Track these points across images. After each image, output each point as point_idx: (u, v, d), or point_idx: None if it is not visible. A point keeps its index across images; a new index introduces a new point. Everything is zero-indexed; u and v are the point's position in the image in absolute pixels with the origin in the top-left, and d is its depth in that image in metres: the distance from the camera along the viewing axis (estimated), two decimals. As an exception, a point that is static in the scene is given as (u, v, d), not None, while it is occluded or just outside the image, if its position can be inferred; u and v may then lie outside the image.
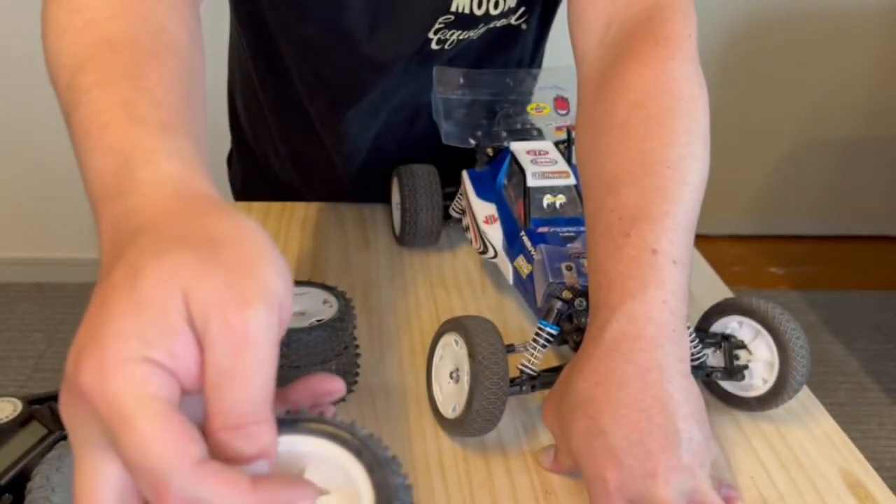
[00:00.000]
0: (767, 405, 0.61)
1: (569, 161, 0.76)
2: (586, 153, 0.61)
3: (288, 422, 0.32)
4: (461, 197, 0.80)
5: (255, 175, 1.00)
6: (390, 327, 0.71)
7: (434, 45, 0.78)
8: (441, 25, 0.76)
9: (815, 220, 2.50)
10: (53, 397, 0.56)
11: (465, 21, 0.76)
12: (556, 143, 0.78)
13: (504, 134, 0.80)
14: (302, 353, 0.57)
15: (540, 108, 0.83)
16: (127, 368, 0.29)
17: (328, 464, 0.32)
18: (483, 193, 0.76)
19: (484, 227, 0.74)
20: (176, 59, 0.44)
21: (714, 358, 0.63)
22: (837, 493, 0.56)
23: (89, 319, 0.31)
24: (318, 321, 0.59)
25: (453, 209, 0.83)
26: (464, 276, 0.79)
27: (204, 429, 0.30)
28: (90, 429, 0.30)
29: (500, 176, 0.76)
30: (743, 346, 0.61)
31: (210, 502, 0.28)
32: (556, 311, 0.60)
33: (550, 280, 0.63)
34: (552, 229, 0.69)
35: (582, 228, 0.69)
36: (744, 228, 2.49)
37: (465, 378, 0.55)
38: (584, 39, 0.65)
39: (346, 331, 0.60)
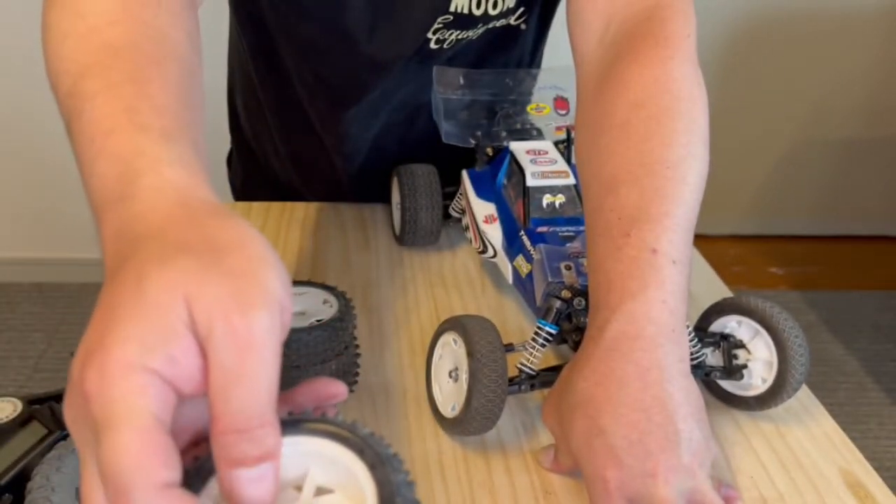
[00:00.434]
0: (766, 405, 0.61)
1: (568, 161, 0.77)
2: (586, 153, 0.61)
3: (291, 423, 0.32)
4: (461, 196, 0.80)
5: (255, 175, 1.00)
6: (390, 327, 0.71)
7: (433, 45, 0.78)
8: (440, 25, 0.76)
9: (815, 220, 2.50)
10: (53, 397, 0.56)
11: (464, 21, 0.76)
12: (556, 143, 0.78)
13: (504, 134, 0.80)
14: (302, 353, 0.57)
15: (540, 108, 0.83)
16: (126, 377, 0.29)
17: (331, 463, 0.32)
18: (483, 193, 0.76)
19: (483, 226, 0.74)
20: (177, 64, 0.44)
21: (713, 357, 0.63)
22: (837, 493, 0.57)
23: (96, 324, 0.31)
24: (318, 321, 0.59)
25: (453, 209, 0.83)
26: (463, 276, 0.79)
27: (209, 432, 0.30)
28: (89, 432, 0.30)
29: (499, 176, 0.76)
30: (742, 345, 0.62)
31: None
32: (555, 310, 0.60)
33: (550, 279, 0.63)
34: (551, 229, 0.69)
35: (581, 228, 0.69)
36: (744, 228, 2.49)
37: (465, 377, 0.56)
38: (584, 39, 0.65)
39: (346, 331, 0.60)
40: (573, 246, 0.67)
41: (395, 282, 0.78)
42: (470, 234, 0.77)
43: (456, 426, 0.57)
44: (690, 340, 0.60)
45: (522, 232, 0.70)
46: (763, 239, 2.50)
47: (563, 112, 0.83)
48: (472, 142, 0.80)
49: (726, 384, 0.63)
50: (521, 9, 0.78)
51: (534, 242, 0.68)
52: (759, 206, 2.48)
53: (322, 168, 0.90)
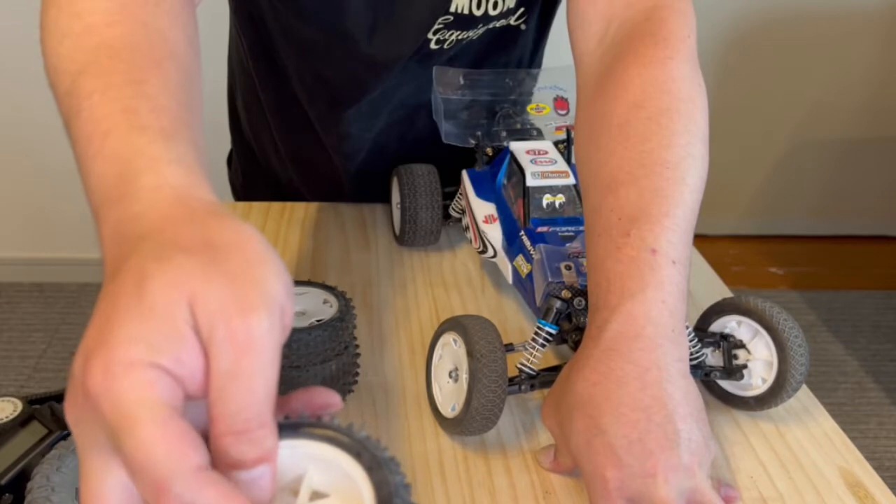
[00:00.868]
0: (766, 404, 0.61)
1: (568, 161, 0.77)
2: (585, 153, 0.61)
3: (288, 426, 0.32)
4: (461, 197, 0.80)
5: (255, 175, 1.00)
6: (390, 327, 0.71)
7: (433, 46, 0.78)
8: (440, 26, 0.76)
9: (815, 220, 2.50)
10: (53, 397, 0.56)
11: (464, 21, 0.76)
12: (556, 143, 0.78)
13: (504, 134, 0.80)
14: (302, 352, 0.57)
15: (540, 108, 0.83)
16: (134, 372, 0.29)
17: (328, 466, 0.32)
18: (483, 193, 0.76)
19: (483, 226, 0.74)
20: (176, 65, 0.44)
21: (713, 357, 0.63)
22: (837, 493, 0.57)
23: (96, 323, 0.31)
24: (318, 321, 0.59)
25: (453, 209, 0.83)
26: (463, 276, 0.79)
27: (207, 433, 0.30)
28: (96, 432, 0.30)
29: (499, 176, 0.76)
30: (742, 345, 0.62)
31: None
32: (555, 310, 0.60)
33: (549, 279, 0.63)
34: (551, 229, 0.69)
35: (581, 228, 0.69)
36: (743, 228, 2.49)
37: (465, 377, 0.56)
38: (584, 40, 0.65)
39: (346, 330, 0.60)
40: (573, 246, 0.67)
41: (395, 282, 0.78)
42: (470, 234, 0.77)
43: (456, 426, 0.57)
44: (690, 340, 0.60)
45: (522, 232, 0.70)
46: (763, 239, 2.50)
47: (563, 112, 0.83)
48: (472, 142, 0.80)
49: (726, 384, 0.63)
50: (522, 9, 0.78)
51: (534, 242, 0.68)
52: (759, 206, 2.48)
53: (322, 168, 0.90)
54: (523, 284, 0.69)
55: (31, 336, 2.02)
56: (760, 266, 2.42)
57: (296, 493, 0.32)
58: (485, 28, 0.78)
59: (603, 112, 0.59)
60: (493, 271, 0.78)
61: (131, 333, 0.30)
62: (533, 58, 0.89)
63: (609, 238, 0.54)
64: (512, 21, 0.79)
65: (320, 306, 0.62)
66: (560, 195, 0.71)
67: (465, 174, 0.79)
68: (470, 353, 0.55)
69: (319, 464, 0.32)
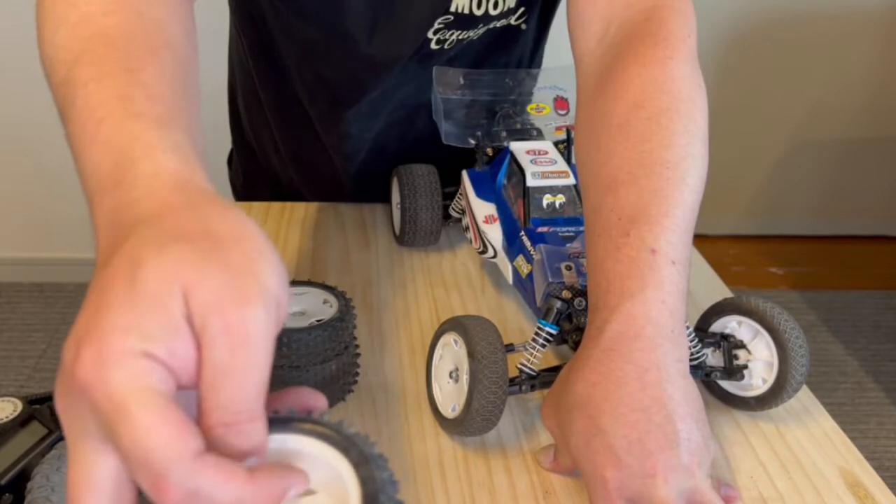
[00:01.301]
0: (767, 405, 0.61)
1: (568, 161, 0.77)
2: (585, 153, 0.61)
3: (277, 421, 0.32)
4: (461, 197, 0.80)
5: (255, 175, 1.00)
6: (390, 327, 0.71)
7: (433, 46, 0.78)
8: (440, 26, 0.76)
9: (815, 220, 2.50)
10: (53, 397, 0.56)
11: (464, 21, 0.76)
12: (556, 143, 0.78)
13: (504, 134, 0.80)
14: (302, 352, 0.57)
15: (540, 109, 0.83)
16: (127, 362, 0.29)
17: (316, 461, 0.32)
18: (483, 193, 0.76)
19: (483, 226, 0.74)
20: (172, 55, 0.44)
21: (713, 357, 0.63)
22: (837, 493, 0.57)
23: (88, 310, 0.31)
24: (318, 321, 0.59)
25: (453, 209, 0.83)
26: (463, 276, 0.79)
27: (199, 425, 0.30)
28: (86, 421, 0.30)
29: (499, 176, 0.76)
30: (742, 345, 0.62)
31: (209, 494, 0.28)
32: (555, 310, 0.60)
33: (550, 280, 0.63)
34: (552, 229, 0.69)
35: (581, 228, 0.69)
36: (743, 228, 2.49)
37: (465, 377, 0.56)
38: (584, 40, 0.65)
39: (346, 330, 0.60)
40: (573, 246, 0.67)
41: (395, 282, 0.78)
42: (470, 234, 0.77)
43: (456, 426, 0.57)
44: (691, 341, 0.60)
45: (522, 232, 0.70)
46: (763, 239, 2.50)
47: (563, 112, 0.83)
48: (472, 142, 0.80)
49: (726, 384, 0.63)
50: (522, 9, 0.78)
51: (534, 242, 0.68)
52: (759, 206, 2.48)
53: (322, 168, 0.90)
54: (523, 285, 0.69)
55: (31, 336, 2.02)
56: (760, 266, 2.42)
57: None
58: (485, 28, 0.78)
59: (603, 112, 0.59)
60: (493, 271, 0.78)
61: (124, 322, 0.29)
62: (533, 58, 0.89)
63: (609, 238, 0.54)
64: (512, 21, 0.79)
65: (320, 306, 0.62)
66: (560, 195, 0.71)
67: (465, 174, 0.79)
68: (470, 354, 0.55)
69: (307, 459, 0.32)
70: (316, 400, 0.35)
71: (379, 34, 0.76)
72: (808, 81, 2.29)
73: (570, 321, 0.61)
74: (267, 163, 0.96)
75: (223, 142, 1.06)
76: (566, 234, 0.69)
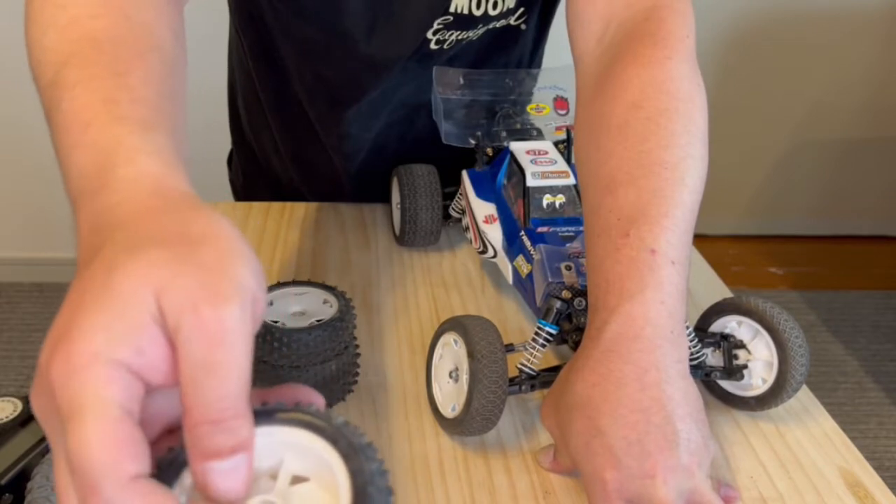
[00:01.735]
0: (767, 405, 0.61)
1: (568, 161, 0.77)
2: (584, 153, 0.61)
3: (264, 413, 0.32)
4: (461, 197, 0.80)
5: (255, 175, 1.00)
6: (390, 327, 0.71)
7: (433, 46, 0.78)
8: (440, 26, 0.76)
9: (815, 220, 2.50)
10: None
11: (463, 21, 0.76)
12: (556, 143, 0.78)
13: (504, 134, 0.80)
14: (302, 352, 0.57)
15: (539, 108, 0.83)
16: (93, 367, 0.29)
17: (305, 452, 0.32)
18: (483, 193, 0.76)
19: (483, 226, 0.74)
20: (159, 58, 0.44)
21: (713, 357, 0.63)
22: (837, 493, 0.57)
23: (64, 313, 0.31)
24: (318, 321, 0.59)
25: (453, 209, 0.83)
26: (463, 276, 0.79)
27: (182, 424, 0.30)
28: (57, 422, 0.30)
29: (499, 176, 0.76)
30: (742, 345, 0.62)
31: None
32: (555, 310, 0.60)
33: (550, 280, 0.63)
34: (551, 229, 0.69)
35: (581, 228, 0.69)
36: (743, 228, 2.49)
37: (465, 377, 0.56)
38: (583, 40, 0.65)
39: (346, 330, 0.60)
40: (573, 246, 0.67)
41: (395, 282, 0.78)
42: (470, 234, 0.77)
43: (456, 426, 0.57)
44: (690, 341, 0.60)
45: (522, 232, 0.70)
46: (763, 239, 2.50)
47: (563, 112, 0.83)
48: (472, 142, 0.80)
49: (726, 384, 0.63)
50: (521, 9, 0.78)
51: (534, 242, 0.68)
52: (759, 206, 2.48)
53: (322, 168, 0.90)
54: (523, 284, 0.69)
55: (31, 336, 2.02)
56: (760, 266, 2.42)
57: (275, 478, 0.32)
58: (484, 28, 0.78)
59: (602, 112, 0.59)
60: (493, 271, 0.78)
61: (93, 324, 0.30)
62: (533, 58, 0.89)
63: (608, 239, 0.54)
64: (512, 21, 0.79)
65: (320, 306, 0.62)
66: (560, 195, 0.71)
67: (465, 174, 0.79)
68: (470, 354, 0.55)
69: (296, 450, 0.32)
70: (313, 398, 0.35)
71: (378, 34, 0.76)
72: (808, 81, 2.29)
73: (569, 321, 0.61)
74: (267, 163, 0.96)
75: (223, 142, 1.06)
76: (566, 234, 0.69)
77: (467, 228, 0.78)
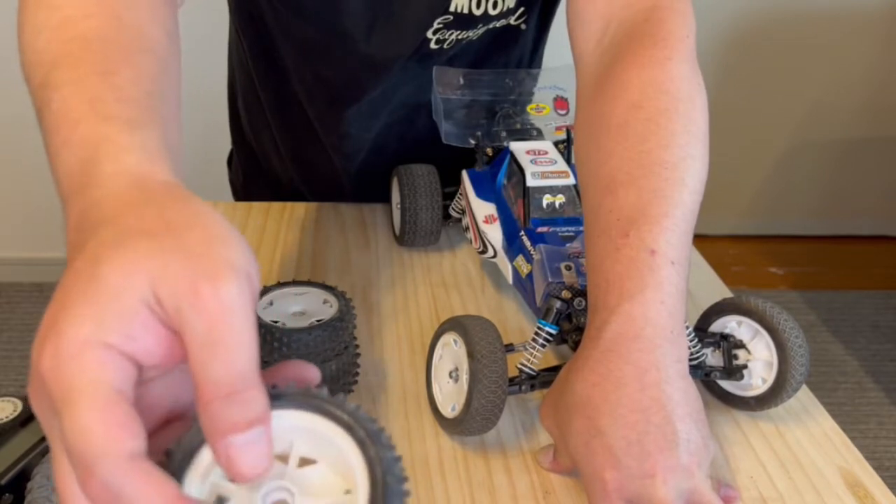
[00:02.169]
0: (766, 405, 0.61)
1: (568, 161, 0.77)
2: (584, 153, 0.61)
3: (275, 396, 0.32)
4: (461, 197, 0.80)
5: (255, 175, 1.00)
6: (390, 327, 0.71)
7: (433, 45, 0.78)
8: (440, 26, 0.76)
9: (815, 220, 2.50)
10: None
11: (463, 21, 0.76)
12: (556, 143, 0.78)
13: (504, 134, 0.80)
14: (302, 352, 0.57)
15: (539, 108, 0.83)
16: (82, 353, 0.29)
17: (316, 437, 0.32)
18: (483, 193, 0.76)
19: (483, 226, 0.74)
20: (151, 58, 0.44)
21: (713, 357, 0.63)
22: (837, 493, 0.57)
23: (51, 309, 0.31)
24: (318, 321, 0.59)
25: (453, 209, 0.83)
26: (463, 276, 0.79)
27: (196, 407, 0.30)
28: (53, 415, 0.30)
29: (499, 176, 0.76)
30: (742, 345, 0.62)
31: (129, 498, 0.28)
32: (555, 310, 0.60)
33: (549, 280, 0.63)
34: (551, 229, 0.69)
35: (581, 228, 0.69)
36: (743, 228, 2.49)
37: (465, 377, 0.56)
38: (583, 40, 0.65)
39: (346, 330, 0.60)
40: (573, 246, 0.67)
41: (395, 282, 0.78)
42: (470, 234, 0.77)
43: (456, 426, 0.57)
44: (690, 341, 0.60)
45: (522, 232, 0.70)
46: (763, 239, 2.50)
47: (563, 112, 0.83)
48: (472, 142, 0.80)
49: (726, 384, 0.63)
50: (521, 9, 0.78)
51: (534, 242, 0.68)
52: (759, 206, 2.48)
53: (322, 168, 0.90)
54: (523, 284, 0.69)
55: (31, 336, 1.99)
56: (760, 266, 2.42)
57: (284, 460, 0.32)
58: (484, 28, 0.78)
59: (602, 112, 0.59)
60: (493, 271, 0.78)
61: (81, 314, 0.30)
62: (533, 58, 0.89)
63: (608, 239, 0.54)
64: (512, 21, 0.79)
65: (320, 306, 0.62)
66: (560, 195, 0.71)
67: (465, 174, 0.79)
68: (470, 354, 0.55)
69: (307, 434, 0.32)
70: (309, 371, 0.35)
71: (378, 34, 0.76)
72: (808, 81, 2.29)
73: (569, 321, 0.61)
74: (267, 163, 0.97)
75: (223, 142, 1.06)
76: (566, 234, 0.69)
77: (467, 228, 0.78)
